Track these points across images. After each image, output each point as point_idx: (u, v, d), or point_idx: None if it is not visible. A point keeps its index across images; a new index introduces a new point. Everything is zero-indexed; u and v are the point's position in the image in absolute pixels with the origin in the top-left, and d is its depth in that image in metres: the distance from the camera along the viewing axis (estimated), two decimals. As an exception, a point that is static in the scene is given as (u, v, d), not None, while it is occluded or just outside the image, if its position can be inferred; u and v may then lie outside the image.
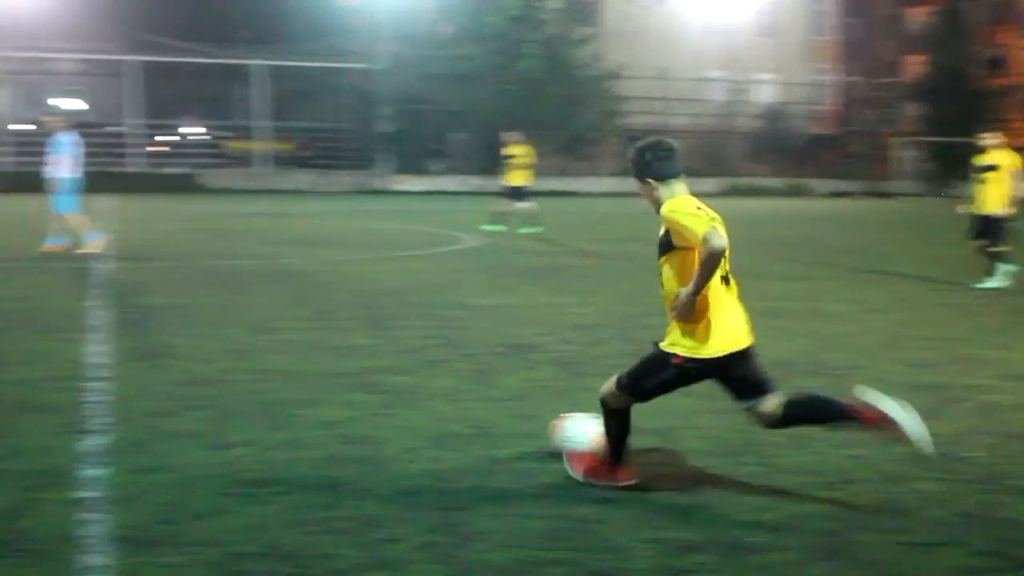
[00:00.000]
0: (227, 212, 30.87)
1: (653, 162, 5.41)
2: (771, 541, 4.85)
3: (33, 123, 38.15)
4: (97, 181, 37.23)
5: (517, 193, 23.85)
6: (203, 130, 58.73)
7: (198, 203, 35.84)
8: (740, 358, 5.33)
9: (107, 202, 32.10)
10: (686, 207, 5.19)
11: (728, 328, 5.29)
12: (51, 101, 56.35)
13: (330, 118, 50.21)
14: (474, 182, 45.83)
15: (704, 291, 5.14)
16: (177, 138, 57.66)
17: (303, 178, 47.81)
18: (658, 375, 5.40)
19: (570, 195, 44.30)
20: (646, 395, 5.50)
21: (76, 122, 19.91)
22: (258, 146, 49.41)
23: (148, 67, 48.14)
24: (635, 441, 6.37)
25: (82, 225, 17.50)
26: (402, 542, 4.75)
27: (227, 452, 6.09)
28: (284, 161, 50.23)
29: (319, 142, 51.37)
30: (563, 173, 48.92)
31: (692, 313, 5.18)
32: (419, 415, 6.71)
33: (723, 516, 5.17)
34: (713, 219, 5.10)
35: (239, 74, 50.89)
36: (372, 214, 31.43)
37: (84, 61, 57.69)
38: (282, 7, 53.49)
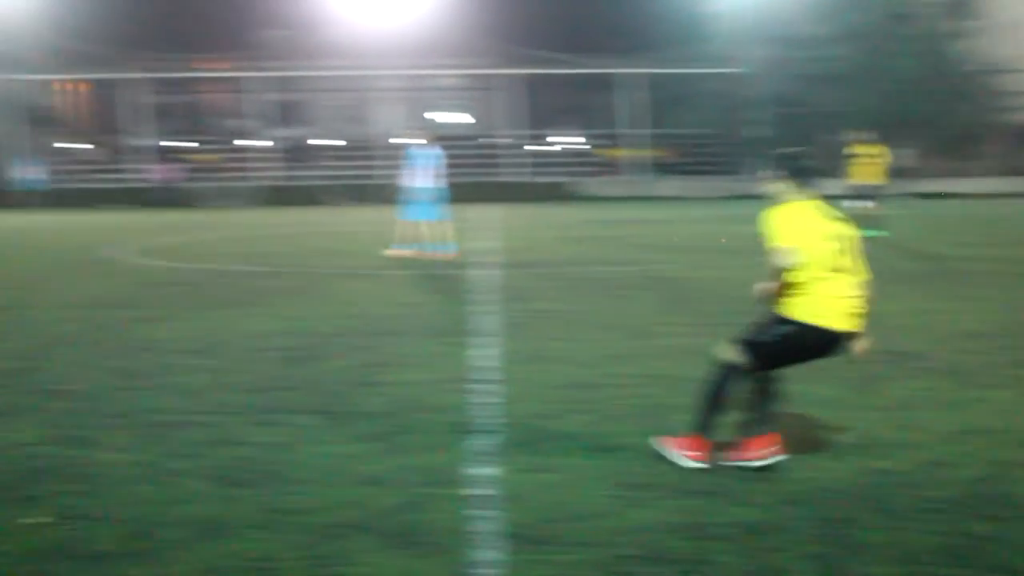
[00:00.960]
0: (602, 219, 31.40)
1: (805, 169, 5.85)
2: None
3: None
4: (476, 191, 39.10)
5: (863, 192, 23.49)
6: (578, 139, 60.16)
7: (574, 210, 36.70)
8: (840, 339, 5.72)
9: (488, 211, 33.42)
10: (783, 216, 5.63)
11: (839, 310, 5.65)
12: (436, 116, 59.40)
13: (700, 124, 50.12)
14: (844, 185, 44.55)
15: (820, 276, 5.60)
16: (553, 147, 59.29)
17: (674, 184, 48.00)
18: (774, 332, 5.72)
19: (953, 197, 42.30)
20: (760, 354, 5.74)
21: (443, 135, 20.91)
22: (629, 153, 50.01)
23: (526, 79, 49.75)
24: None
25: (438, 234, 18.40)
26: (785, 551, 4.69)
27: (609, 455, 6.20)
28: (655, 168, 50.63)
29: (689, 148, 51.45)
30: (945, 174, 46.77)
31: (769, 301, 5.72)
32: (798, 423, 6.59)
33: None
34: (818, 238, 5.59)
35: (611, 83, 51.72)
36: (741, 219, 31.15)
37: (466, 76, 60.34)
38: (652, 16, 54.01)
